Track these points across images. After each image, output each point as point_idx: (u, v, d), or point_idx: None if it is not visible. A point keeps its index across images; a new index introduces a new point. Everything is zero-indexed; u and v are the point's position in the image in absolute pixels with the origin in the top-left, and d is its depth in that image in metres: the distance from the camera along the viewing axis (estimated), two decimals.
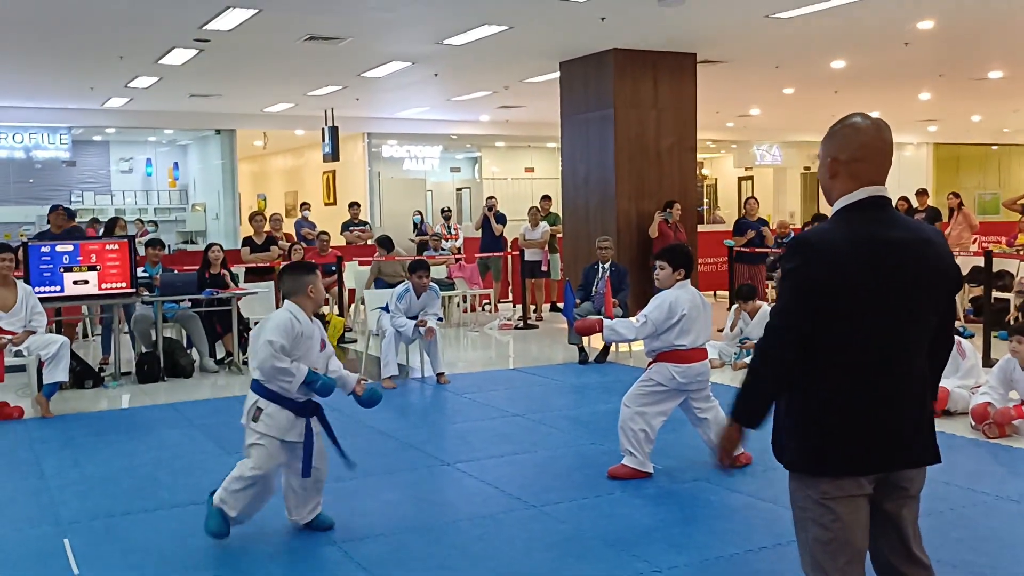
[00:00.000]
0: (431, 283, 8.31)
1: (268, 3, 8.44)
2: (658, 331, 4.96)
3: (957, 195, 13.40)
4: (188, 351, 8.82)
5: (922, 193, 14.37)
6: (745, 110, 18.47)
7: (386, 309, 8.36)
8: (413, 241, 14.82)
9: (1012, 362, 5.92)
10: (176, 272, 8.98)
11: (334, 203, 20.26)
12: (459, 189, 23.14)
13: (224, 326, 9.03)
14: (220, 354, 9.10)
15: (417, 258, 9.56)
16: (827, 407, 2.36)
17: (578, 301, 9.42)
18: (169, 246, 14.67)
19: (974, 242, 13.30)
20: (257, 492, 4.12)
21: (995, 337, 8.65)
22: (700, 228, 13.46)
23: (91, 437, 6.24)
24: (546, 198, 14.06)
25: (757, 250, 11.90)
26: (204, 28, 9.37)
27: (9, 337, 6.75)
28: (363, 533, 4.30)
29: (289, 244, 11.45)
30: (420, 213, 15.98)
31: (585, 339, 9.22)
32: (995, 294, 9.83)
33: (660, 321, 4.94)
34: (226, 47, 10.31)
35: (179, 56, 10.90)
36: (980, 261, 10.56)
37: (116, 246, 8.23)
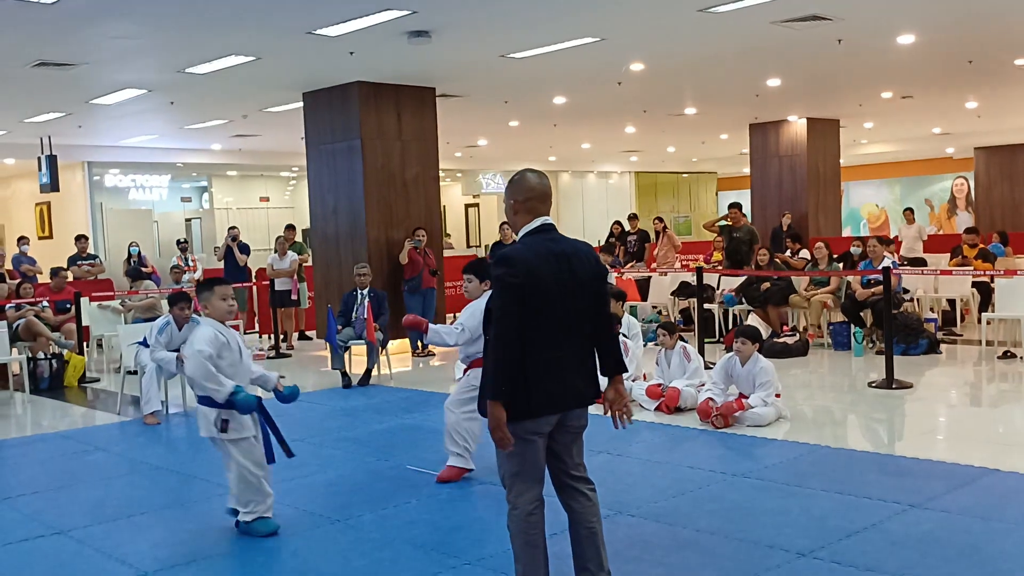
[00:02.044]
0: (193, 315, 8.22)
1: None
2: (473, 337, 5.45)
3: (661, 219, 15.13)
4: None
5: (633, 217, 16.05)
6: (474, 140, 19.56)
7: (144, 343, 8.16)
8: (127, 277, 13.86)
9: (733, 359, 7.01)
10: None
11: (50, 236, 18.83)
12: (188, 219, 22.29)
13: None
14: None
15: (178, 290, 9.34)
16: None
17: (339, 327, 9.69)
18: None
19: (677, 260, 15.11)
20: (260, 478, 4.61)
21: (707, 342, 10.03)
22: (447, 253, 14.14)
23: None
24: (290, 227, 14.10)
25: None
26: None
27: None
28: (174, 561, 4.37)
29: (17, 281, 10.67)
30: (136, 244, 15.11)
31: (347, 363, 9.52)
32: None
33: (475, 328, 5.44)
34: None
35: None
36: (687, 277, 12.12)
37: None
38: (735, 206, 13.20)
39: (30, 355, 9.84)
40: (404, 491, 5.45)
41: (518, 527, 3.44)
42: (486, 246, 24.33)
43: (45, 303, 10.75)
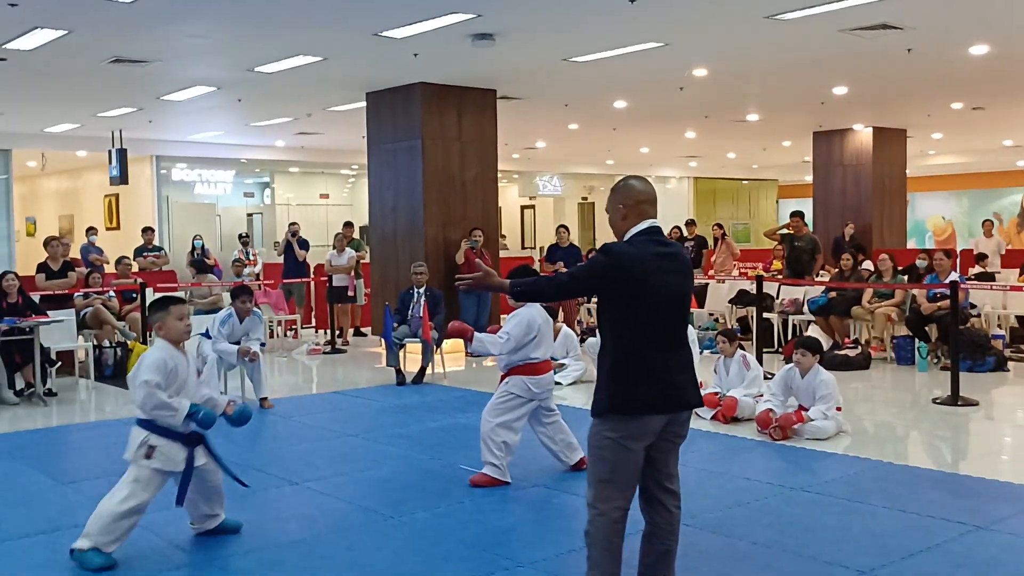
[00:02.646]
0: (254, 308, 8.37)
1: (79, 24, 8.21)
2: (518, 346, 5.46)
3: (721, 226, 14.99)
4: None
5: (691, 223, 15.93)
6: (531, 143, 19.58)
7: (206, 335, 8.32)
8: (191, 268, 14.08)
9: (793, 371, 6.90)
10: None
11: (117, 227, 19.33)
12: (250, 214, 22.70)
13: (24, 357, 8.59)
14: (20, 385, 8.64)
15: (239, 283, 9.52)
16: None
17: (395, 325, 9.78)
18: None
19: (735, 268, 14.94)
20: (136, 521, 4.23)
21: (765, 352, 9.89)
22: (502, 254, 14.18)
23: None
24: (349, 224, 14.28)
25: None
26: (3, 47, 8.91)
27: None
28: (233, 549, 4.46)
29: (87, 271, 10.97)
30: (200, 237, 15.42)
31: (401, 360, 9.60)
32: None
33: (520, 337, 5.46)
34: (22, 66, 9.82)
35: None
36: (745, 285, 11.98)
37: None
38: (797, 215, 13.01)
39: (95, 343, 10.10)
40: (457, 491, 5.46)
41: (601, 534, 3.39)
42: (541, 248, 24.34)
43: (112, 293, 11.03)
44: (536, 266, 13.49)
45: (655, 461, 3.46)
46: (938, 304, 9.65)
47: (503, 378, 5.62)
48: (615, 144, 20.22)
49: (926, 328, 9.83)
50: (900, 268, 11.23)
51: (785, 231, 13.16)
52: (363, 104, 12.58)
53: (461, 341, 11.36)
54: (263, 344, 8.44)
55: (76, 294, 10.57)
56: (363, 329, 13.74)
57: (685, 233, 15.25)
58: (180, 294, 12.40)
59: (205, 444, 4.38)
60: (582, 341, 9.84)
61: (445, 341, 10.49)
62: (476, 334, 5.62)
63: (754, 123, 16.27)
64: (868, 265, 12.55)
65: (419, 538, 4.65)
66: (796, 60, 10.57)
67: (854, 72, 11.50)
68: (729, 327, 11.74)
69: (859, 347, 10.16)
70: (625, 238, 3.47)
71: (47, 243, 10.72)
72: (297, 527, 4.83)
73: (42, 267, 10.41)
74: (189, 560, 4.36)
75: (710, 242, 15.40)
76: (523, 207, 26.62)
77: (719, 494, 5.40)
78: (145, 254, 14.32)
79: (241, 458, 6.34)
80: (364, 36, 9.00)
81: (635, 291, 3.31)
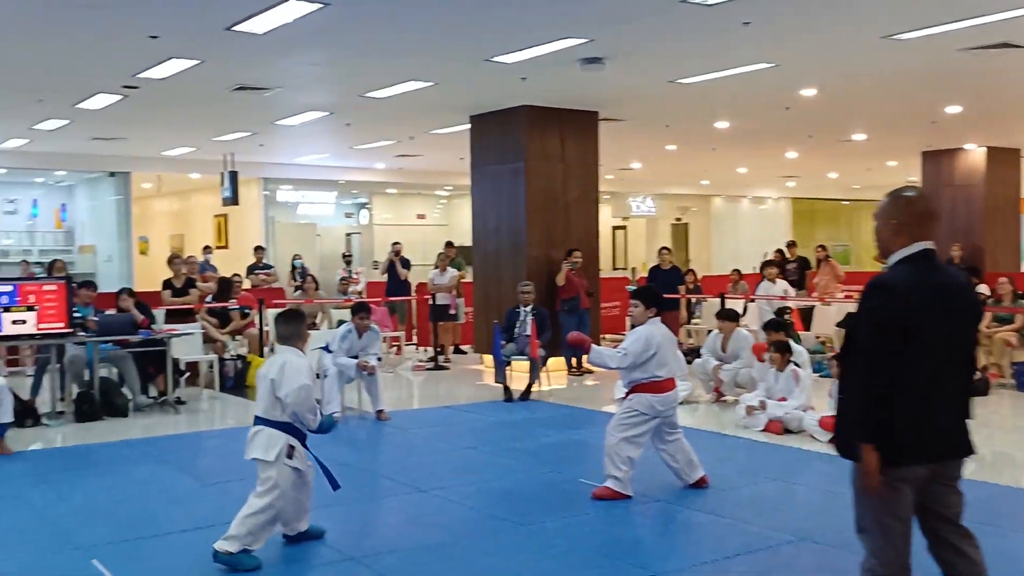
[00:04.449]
0: (372, 325, 8.68)
1: (211, 54, 8.68)
2: (636, 362, 5.55)
3: (824, 247, 14.75)
4: (122, 390, 8.82)
5: (792, 245, 15.74)
6: (627, 163, 19.64)
7: (326, 349, 8.65)
8: (293, 285, 14.43)
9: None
10: (109, 313, 8.96)
11: (226, 246, 20.11)
12: (348, 234, 23.37)
13: (156, 367, 9.07)
14: (152, 394, 9.13)
15: (360, 300, 9.87)
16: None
17: (503, 342, 9.97)
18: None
19: (839, 290, 14.67)
20: (276, 520, 4.51)
21: None
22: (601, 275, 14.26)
23: (63, 472, 6.34)
24: (450, 244, 14.57)
25: (668, 296, 12.59)
26: (138, 76, 9.47)
27: None
28: (377, 549, 4.67)
29: (220, 280, 11.56)
30: (299, 257, 15.96)
31: (508, 377, 9.77)
32: None
33: (638, 353, 5.54)
34: (152, 94, 10.39)
35: (100, 101, 10.87)
36: (851, 307, 11.76)
37: (54, 287, 8.21)
38: None
39: (218, 356, 10.58)
40: (581, 503, 5.58)
41: None
42: (632, 269, 24.33)
43: (241, 307, 11.58)
44: (631, 287, 13.65)
45: (928, 504, 3.15)
46: None
47: (627, 395, 5.72)
48: (712, 164, 20.15)
49: None
50: (1020, 292, 10.90)
51: None
52: (465, 127, 12.86)
53: (564, 359, 11.63)
54: (380, 359, 8.72)
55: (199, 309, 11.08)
56: (463, 347, 13.97)
57: (787, 254, 15.07)
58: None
59: (304, 444, 4.66)
60: (689, 361, 9.85)
61: (550, 359, 10.63)
62: (594, 346, 5.77)
63: (860, 143, 16.02)
64: (983, 288, 12.21)
65: (551, 546, 4.78)
66: (909, 79, 10.43)
67: (969, 91, 11.28)
68: (838, 351, 11.59)
69: (977, 373, 9.88)
70: (892, 259, 3.09)
71: (171, 261, 11.27)
72: (434, 532, 5.02)
73: (167, 284, 10.96)
74: (335, 557, 4.58)
75: (812, 263, 15.18)
76: (615, 228, 26.66)
77: (847, 514, 5.26)
78: (257, 271, 14.92)
79: (367, 466, 6.62)
80: (475, 62, 9.25)
81: (901, 328, 2.95)
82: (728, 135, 14.92)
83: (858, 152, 17.34)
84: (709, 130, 14.38)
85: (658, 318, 5.72)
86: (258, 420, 4.55)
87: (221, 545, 4.36)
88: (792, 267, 14.62)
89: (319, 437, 4.66)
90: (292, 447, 4.48)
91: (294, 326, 4.69)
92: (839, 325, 12.12)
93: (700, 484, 5.78)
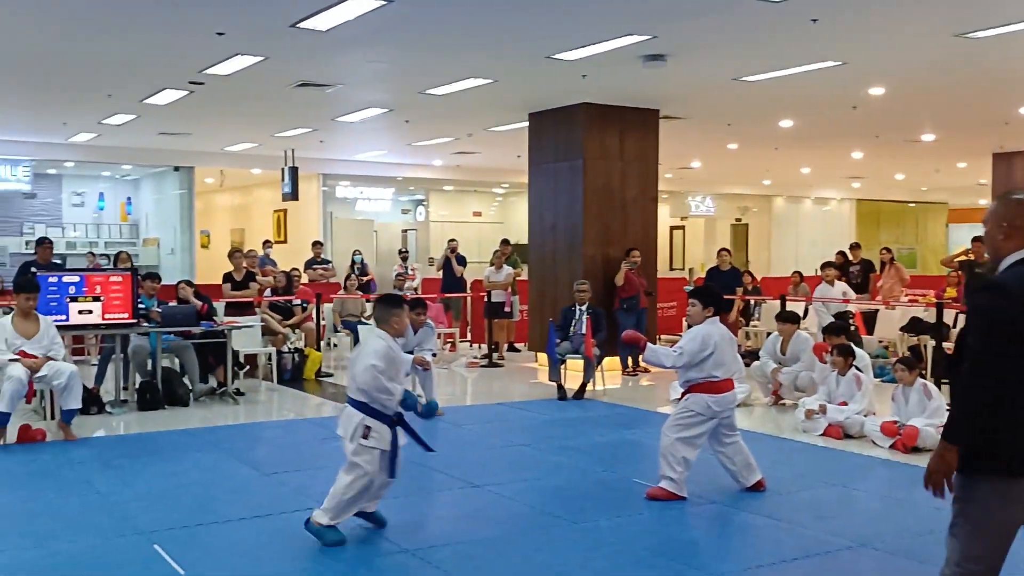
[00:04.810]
0: (427, 320, 8.71)
1: (275, 51, 8.81)
2: (692, 362, 5.48)
3: (889, 250, 14.40)
4: (183, 380, 9.00)
5: (855, 247, 15.38)
6: (687, 162, 19.44)
7: None
8: (352, 281, 14.46)
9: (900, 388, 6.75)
10: (172, 304, 9.15)
11: (284, 241, 20.41)
12: (405, 231, 23.56)
13: (216, 358, 9.23)
14: (212, 384, 9.30)
15: (416, 296, 9.93)
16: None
17: (557, 341, 9.94)
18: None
19: (903, 294, 14.33)
20: (363, 495, 4.67)
21: (943, 383, 9.44)
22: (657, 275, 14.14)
23: (126, 459, 6.49)
24: (506, 242, 14.57)
25: (727, 297, 12.40)
26: (203, 72, 9.66)
27: (32, 361, 6.93)
28: (431, 542, 4.69)
29: (286, 274, 11.79)
30: (360, 252, 16.11)
31: (562, 376, 9.74)
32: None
33: (694, 352, 5.48)
34: (217, 90, 10.59)
35: (167, 96, 11.11)
36: (916, 312, 11.50)
37: (120, 278, 8.41)
38: (979, 240, 12.40)
39: (275, 348, 10.73)
40: (634, 502, 5.53)
41: None
42: (690, 269, 24.10)
43: (298, 302, 11.74)
44: (688, 287, 13.50)
45: None
46: None
47: (683, 395, 5.66)
48: (775, 164, 19.84)
49: None
50: None
51: (964, 258, 12.56)
52: (524, 124, 12.86)
53: (618, 359, 11.55)
54: (434, 354, 8.76)
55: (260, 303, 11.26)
56: (517, 344, 13.97)
57: (850, 257, 14.75)
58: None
59: (403, 424, 4.72)
60: (747, 364, 9.71)
61: (605, 359, 10.57)
62: (649, 344, 5.72)
63: (928, 143, 15.62)
64: None
65: (604, 544, 4.74)
66: (981, 79, 10.14)
67: None
68: (901, 355, 11.32)
69: None
70: (1004, 264, 2.99)
71: (231, 255, 11.44)
72: (487, 527, 5.02)
73: (227, 277, 11.14)
74: (391, 549, 4.60)
75: (876, 266, 14.84)
76: (672, 227, 26.42)
77: (907, 520, 5.25)
78: (315, 266, 15.10)
79: (421, 460, 6.60)
80: (536, 59, 9.24)
81: (1016, 330, 2.82)
82: (792, 134, 14.68)
83: (927, 153, 16.92)
84: (772, 129, 14.16)
85: (717, 318, 5.64)
86: (347, 400, 4.71)
87: (316, 515, 4.58)
88: (855, 270, 14.29)
89: None
90: (368, 427, 4.58)
91: (385, 310, 4.82)
92: (903, 330, 11.85)
93: (757, 488, 5.69)
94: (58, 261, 11.34)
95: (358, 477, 4.57)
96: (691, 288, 13.41)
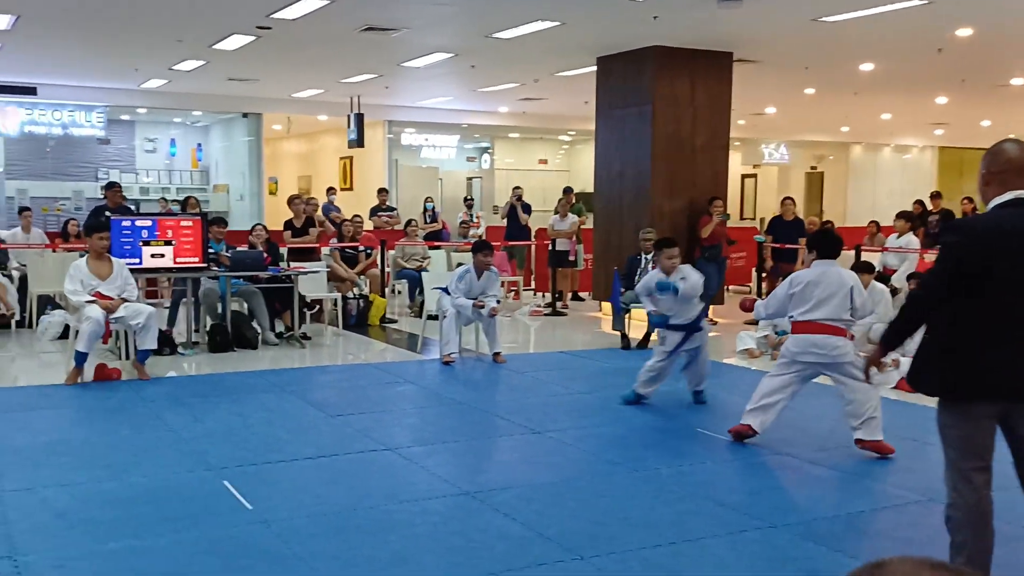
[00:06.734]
0: (491, 267, 8.67)
1: None
2: (772, 303, 5.55)
3: (971, 200, 13.86)
4: (252, 324, 9.16)
5: (936, 196, 14.85)
6: (761, 108, 18.87)
7: (445, 291, 8.71)
8: (414, 227, 14.36)
9: None
10: (241, 249, 9.29)
11: (350, 188, 20.56)
12: (470, 178, 23.49)
13: (283, 303, 9.37)
14: (279, 328, 9.45)
15: (481, 239, 9.88)
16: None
17: (622, 290, 9.83)
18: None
19: None
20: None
21: None
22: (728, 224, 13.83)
23: (197, 398, 6.65)
24: (569, 190, 14.40)
25: (788, 246, 12.06)
26: (271, 16, 9.65)
27: (108, 303, 7.11)
28: (491, 485, 4.70)
29: (339, 221, 11.84)
30: (431, 200, 16.17)
31: (626, 325, 9.64)
32: None
33: (777, 295, 5.50)
34: (284, 35, 10.59)
35: (235, 42, 11.16)
36: None
37: (190, 223, 8.55)
38: None
39: (341, 294, 10.85)
40: (697, 451, 5.47)
41: (964, 518, 3.19)
42: (762, 219, 23.56)
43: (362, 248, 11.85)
44: (760, 237, 13.17)
45: (1019, 450, 3.21)
46: None
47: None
48: (853, 110, 19.12)
49: None
50: None
51: None
52: (591, 69, 12.58)
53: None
54: (499, 300, 8.73)
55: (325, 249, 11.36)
56: (581, 294, 13.89)
57: (929, 206, 14.24)
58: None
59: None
60: None
61: None
62: (757, 301, 5.96)
63: (1018, 87, 14.85)
64: None
65: (666, 492, 4.70)
66: None
67: None
68: None
69: None
70: (988, 209, 3.23)
71: (291, 201, 11.53)
72: (547, 472, 5.01)
73: (288, 224, 11.26)
74: (451, 491, 4.62)
75: (958, 216, 14.30)
76: (744, 176, 25.81)
77: None
78: (380, 214, 15.16)
79: (483, 406, 6.66)
80: (606, 0, 8.99)
81: (982, 272, 3.06)
82: (873, 78, 14.09)
83: (1016, 98, 16.09)
84: (852, 73, 13.60)
85: (823, 260, 5.44)
86: None
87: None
88: (934, 220, 13.80)
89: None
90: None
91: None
92: None
93: (874, 448, 5.36)
94: (130, 206, 11.56)
95: (650, 366, 6.60)
96: (761, 239, 13.13)
